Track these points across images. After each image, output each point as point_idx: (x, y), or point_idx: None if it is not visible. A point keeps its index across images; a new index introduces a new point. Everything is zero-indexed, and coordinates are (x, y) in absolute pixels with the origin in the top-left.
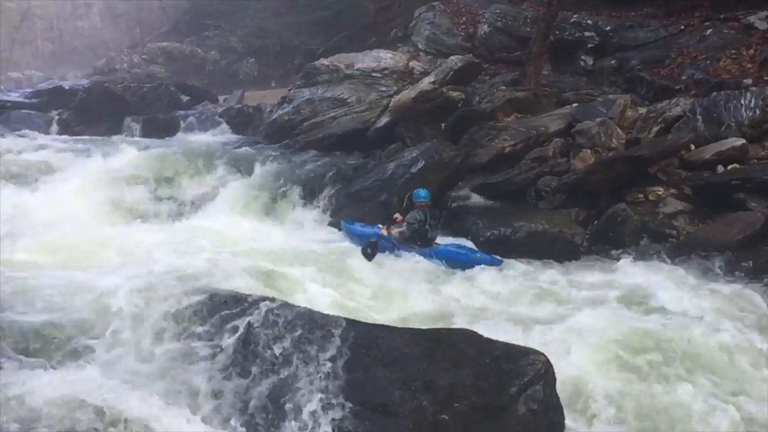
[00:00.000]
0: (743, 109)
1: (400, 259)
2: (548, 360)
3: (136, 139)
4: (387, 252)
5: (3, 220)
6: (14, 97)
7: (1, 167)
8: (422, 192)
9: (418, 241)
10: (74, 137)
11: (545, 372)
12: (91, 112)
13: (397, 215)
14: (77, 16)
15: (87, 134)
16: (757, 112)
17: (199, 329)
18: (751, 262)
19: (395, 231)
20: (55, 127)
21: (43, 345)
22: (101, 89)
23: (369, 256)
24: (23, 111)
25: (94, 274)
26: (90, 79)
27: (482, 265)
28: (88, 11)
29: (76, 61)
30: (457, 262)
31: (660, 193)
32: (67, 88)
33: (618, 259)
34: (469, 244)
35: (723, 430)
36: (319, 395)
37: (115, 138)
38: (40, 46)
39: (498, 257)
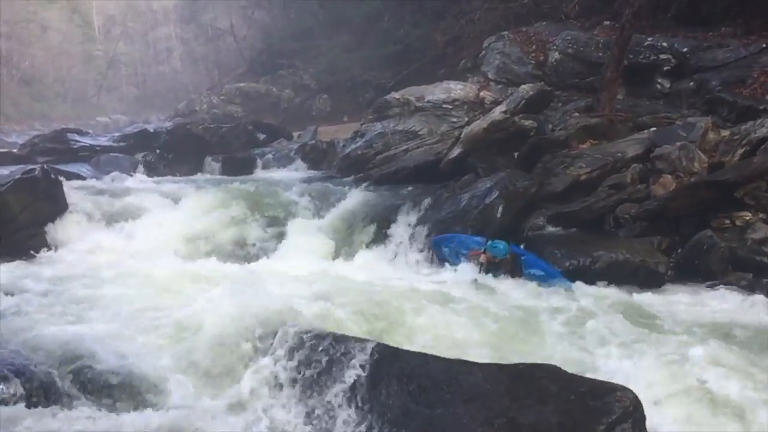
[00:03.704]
0: None
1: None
2: (636, 397)
3: (217, 177)
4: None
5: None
6: (103, 141)
7: (96, 209)
8: (500, 246)
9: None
10: (159, 178)
11: (634, 409)
12: (173, 153)
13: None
14: (159, 61)
15: (171, 174)
16: None
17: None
18: None
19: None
20: (141, 169)
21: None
22: (183, 131)
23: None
24: (111, 154)
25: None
26: (172, 121)
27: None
28: (169, 56)
29: (159, 104)
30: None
31: (747, 218)
32: (151, 131)
33: (706, 289)
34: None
35: None
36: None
37: (196, 177)
38: (125, 91)
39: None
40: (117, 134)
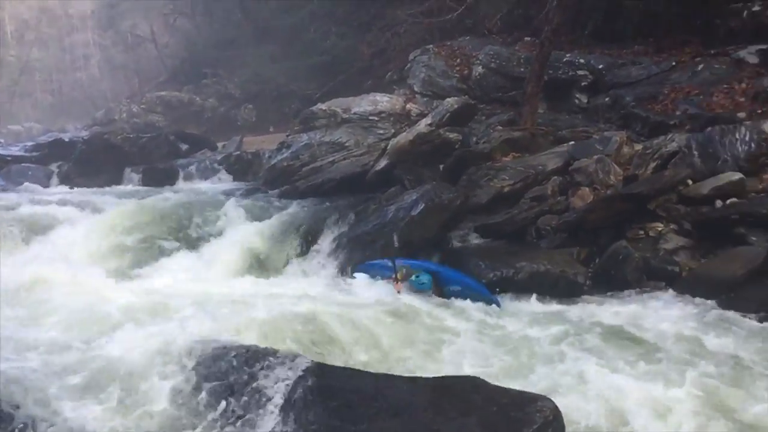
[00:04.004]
0: (738, 143)
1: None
2: (557, 407)
3: (137, 188)
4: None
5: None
6: (14, 150)
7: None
8: (425, 281)
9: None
10: (75, 189)
11: (554, 419)
12: (90, 163)
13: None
14: (76, 67)
15: (87, 186)
16: (753, 146)
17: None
18: (757, 296)
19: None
20: (55, 180)
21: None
22: (100, 140)
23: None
24: (23, 164)
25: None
26: (89, 130)
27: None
28: (86, 63)
29: (75, 113)
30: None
31: (660, 229)
32: (66, 140)
33: (621, 297)
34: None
35: None
36: None
37: (115, 189)
38: (39, 98)
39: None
40: (30, 143)
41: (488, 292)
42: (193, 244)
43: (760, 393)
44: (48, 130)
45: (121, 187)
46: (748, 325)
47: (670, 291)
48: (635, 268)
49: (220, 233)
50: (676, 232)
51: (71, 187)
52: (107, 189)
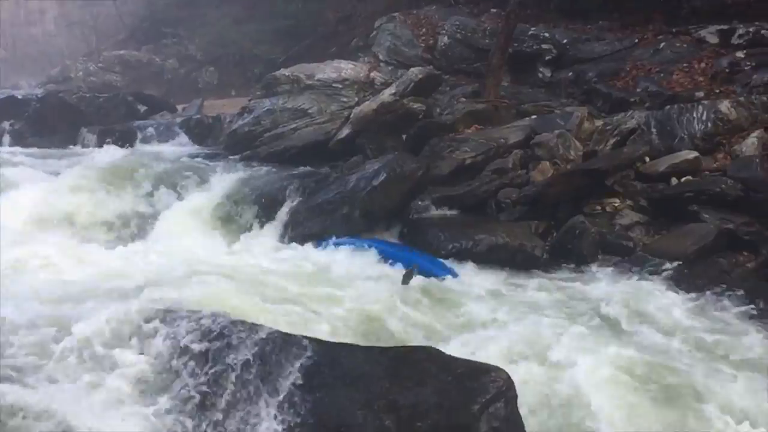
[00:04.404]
0: (695, 122)
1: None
2: (509, 377)
3: (92, 150)
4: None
5: None
6: None
7: None
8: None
9: None
10: (28, 149)
11: (507, 389)
12: (45, 122)
13: None
14: (30, 22)
15: (41, 146)
16: (709, 125)
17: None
18: (705, 273)
19: None
20: (7, 138)
21: None
22: (56, 99)
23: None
24: None
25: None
26: (44, 87)
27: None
28: (42, 18)
29: (30, 69)
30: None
31: (617, 204)
32: (19, 97)
33: (577, 271)
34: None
35: None
36: (279, 416)
37: (70, 150)
38: None
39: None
40: None
41: (441, 269)
42: (151, 208)
43: (678, 364)
44: (0, 87)
45: (76, 148)
46: (692, 301)
47: (624, 265)
48: (591, 243)
49: (178, 198)
50: (632, 208)
51: (24, 147)
52: (63, 150)
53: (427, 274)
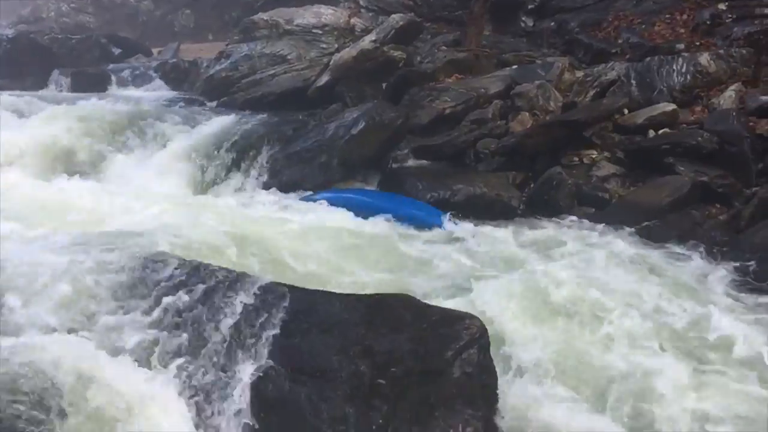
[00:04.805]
0: (675, 74)
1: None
2: (483, 325)
3: (65, 94)
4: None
5: None
6: None
7: None
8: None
9: None
10: None
11: (480, 336)
12: (15, 64)
13: None
14: None
15: (11, 88)
16: (688, 77)
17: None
18: (678, 225)
19: None
20: None
21: None
22: (26, 40)
23: None
24: None
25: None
26: (15, 28)
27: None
28: None
29: None
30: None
31: (594, 156)
32: None
33: (553, 221)
34: None
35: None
36: (257, 361)
37: (42, 93)
38: None
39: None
40: None
41: (433, 216)
42: (125, 153)
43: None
44: None
45: (48, 91)
46: (660, 252)
47: (599, 216)
48: (568, 194)
49: (153, 143)
50: (609, 160)
51: None
52: (34, 93)
53: (418, 223)
